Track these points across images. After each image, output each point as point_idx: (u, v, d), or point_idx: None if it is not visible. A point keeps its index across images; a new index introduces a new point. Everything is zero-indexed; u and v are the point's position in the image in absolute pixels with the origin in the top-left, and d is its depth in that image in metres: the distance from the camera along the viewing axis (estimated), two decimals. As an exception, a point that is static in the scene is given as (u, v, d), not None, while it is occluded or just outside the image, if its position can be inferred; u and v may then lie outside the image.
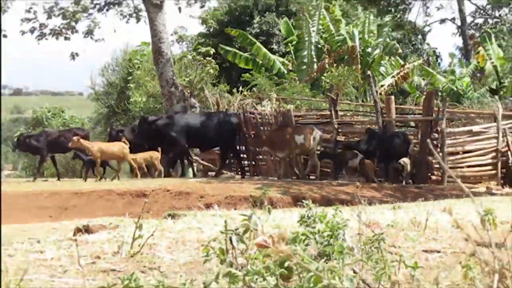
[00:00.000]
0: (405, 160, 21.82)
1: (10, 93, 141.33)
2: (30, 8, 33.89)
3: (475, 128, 23.81)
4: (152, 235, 6.29)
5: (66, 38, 34.12)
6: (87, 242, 6.78)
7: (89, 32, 34.55)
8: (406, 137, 22.85)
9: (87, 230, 8.13)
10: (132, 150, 23.63)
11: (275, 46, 39.35)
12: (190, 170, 25.43)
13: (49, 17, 33.77)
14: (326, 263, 3.83)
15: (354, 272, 4.13)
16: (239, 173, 24.96)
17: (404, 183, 21.46)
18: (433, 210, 7.83)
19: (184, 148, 24.66)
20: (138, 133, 24.52)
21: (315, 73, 34.56)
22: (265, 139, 23.95)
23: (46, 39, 34.21)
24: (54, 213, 17.10)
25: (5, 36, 33.24)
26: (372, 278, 4.01)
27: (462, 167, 22.74)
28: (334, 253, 4.46)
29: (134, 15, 34.24)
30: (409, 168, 21.78)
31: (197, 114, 26.35)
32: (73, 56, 34.83)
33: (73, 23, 33.74)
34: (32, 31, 34.03)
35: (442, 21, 46.28)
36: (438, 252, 6.06)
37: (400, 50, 37.93)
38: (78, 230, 8.09)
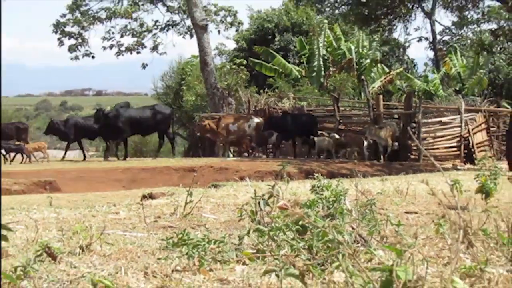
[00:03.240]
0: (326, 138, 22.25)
1: (93, 94, 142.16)
2: (109, 30, 35.20)
3: (444, 119, 23.87)
4: (199, 200, 6.30)
5: (138, 53, 35.36)
6: (151, 206, 6.80)
7: (154, 48, 35.54)
8: (299, 119, 23.15)
9: (151, 196, 8.17)
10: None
11: (291, 59, 38.99)
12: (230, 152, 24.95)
13: (122, 36, 34.82)
14: (331, 221, 3.82)
15: (352, 228, 4.10)
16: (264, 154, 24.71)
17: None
18: (412, 181, 7.80)
19: (125, 134, 23.75)
20: (94, 122, 23.58)
21: (325, 80, 34.27)
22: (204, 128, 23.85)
23: (122, 55, 36.10)
24: (126, 184, 17.19)
25: (91, 54, 34.89)
26: (366, 233, 3.98)
27: (434, 149, 22.76)
28: (337, 214, 4.43)
29: (188, 33, 35.44)
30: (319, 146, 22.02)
31: (137, 108, 25.25)
32: (144, 66, 36.32)
33: (141, 40, 34.82)
34: (111, 47, 35.56)
35: (419, 39, 45.77)
36: (416, 213, 6.01)
37: (378, 58, 37.01)
38: (144, 197, 8.14)
